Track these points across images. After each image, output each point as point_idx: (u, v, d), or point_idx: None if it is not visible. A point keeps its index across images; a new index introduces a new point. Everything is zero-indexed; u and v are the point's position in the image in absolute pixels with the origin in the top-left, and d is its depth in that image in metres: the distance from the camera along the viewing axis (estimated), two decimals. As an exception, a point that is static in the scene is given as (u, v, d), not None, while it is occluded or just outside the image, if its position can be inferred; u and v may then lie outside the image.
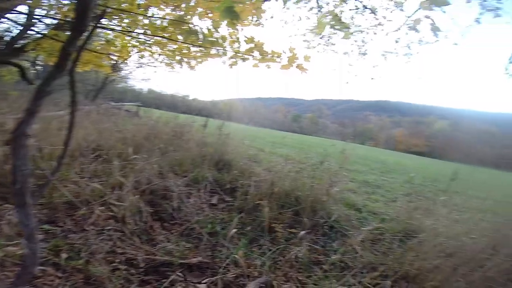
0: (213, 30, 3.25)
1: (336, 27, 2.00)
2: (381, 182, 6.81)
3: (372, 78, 5.98)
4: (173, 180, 3.07)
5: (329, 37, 6.42)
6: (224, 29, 3.28)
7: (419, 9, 2.00)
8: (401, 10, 5.34)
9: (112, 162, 3.07)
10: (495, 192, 9.20)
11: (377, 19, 5.53)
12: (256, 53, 3.19)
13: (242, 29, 3.38)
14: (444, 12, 4.65)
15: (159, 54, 4.90)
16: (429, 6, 1.86)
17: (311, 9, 6.03)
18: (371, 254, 2.45)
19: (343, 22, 1.94)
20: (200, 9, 3.31)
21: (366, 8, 5.37)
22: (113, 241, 2.07)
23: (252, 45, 3.10)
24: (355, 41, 6.13)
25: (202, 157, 4.18)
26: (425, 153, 73.07)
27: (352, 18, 5.93)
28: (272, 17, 6.20)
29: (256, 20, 3.39)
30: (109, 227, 2.19)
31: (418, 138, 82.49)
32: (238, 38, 3.27)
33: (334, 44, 6.40)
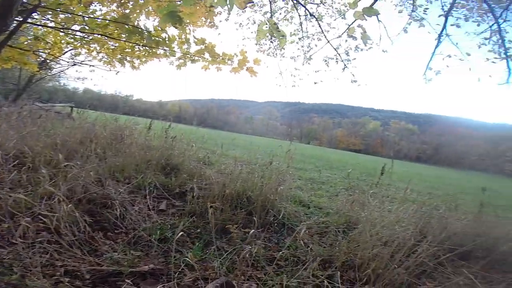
0: (161, 30, 3.10)
1: (274, 35, 2.11)
2: (325, 178, 7.36)
3: (315, 83, 6.42)
4: (114, 188, 2.81)
5: (278, 42, 6.71)
6: (173, 30, 3.16)
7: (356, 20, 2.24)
8: (343, 18, 5.89)
9: (39, 171, 2.67)
10: (418, 183, 10.82)
11: (321, 27, 5.99)
12: (206, 55, 3.15)
13: (194, 30, 3.30)
14: (380, 21, 5.30)
15: (98, 52, 4.46)
16: (362, 16, 2.07)
17: (265, 13, 6.24)
18: (320, 247, 2.62)
19: (280, 31, 2.06)
20: (148, 8, 3.11)
21: (313, 16, 5.77)
22: (50, 254, 1.86)
23: (203, 46, 3.05)
24: (302, 46, 6.53)
25: (146, 162, 3.92)
26: (361, 150, 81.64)
27: (300, 24, 6.30)
28: (227, 20, 6.20)
29: (209, 22, 3.35)
30: (41, 239, 1.94)
31: (355, 137, 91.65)
32: (188, 39, 3.18)
33: (283, 49, 6.73)
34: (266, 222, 3.00)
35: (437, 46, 4.71)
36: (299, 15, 6.19)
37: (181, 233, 2.15)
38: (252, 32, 6.77)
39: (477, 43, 4.44)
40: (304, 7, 5.30)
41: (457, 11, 4.46)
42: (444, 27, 4.57)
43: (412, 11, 4.98)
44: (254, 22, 6.50)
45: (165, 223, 2.64)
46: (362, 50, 5.76)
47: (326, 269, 2.25)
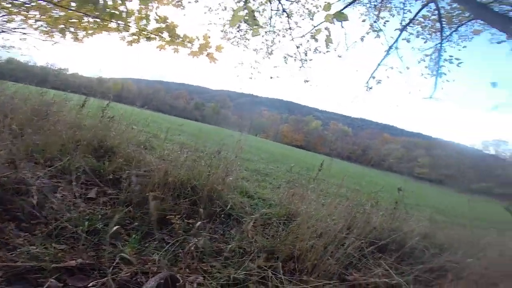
0: (121, 2, 2.68)
1: (249, 22, 2.05)
2: (269, 170, 7.63)
3: (271, 77, 6.51)
4: (31, 171, 2.37)
5: (245, 31, 6.59)
6: (134, 3, 2.78)
7: (324, 21, 2.31)
8: (311, 19, 6.04)
9: None
10: (348, 180, 12.09)
11: (290, 24, 6.07)
12: (165, 34, 2.85)
13: (157, 7, 2.94)
14: (343, 27, 5.60)
15: (36, 20, 3.64)
16: (332, 19, 2.13)
17: (239, 1, 5.99)
18: (263, 238, 2.67)
19: (256, 19, 2.01)
20: None
21: (285, 11, 5.81)
22: None
23: (163, 25, 2.75)
24: (266, 40, 6.54)
25: (75, 142, 3.42)
26: (303, 146, 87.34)
27: (270, 18, 6.28)
28: (197, 1, 5.73)
29: (177, 1, 3.03)
30: None
31: (298, 134, 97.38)
32: (147, 16, 2.82)
33: (248, 39, 6.64)
34: (211, 213, 2.92)
35: (385, 57, 5.24)
36: (271, 9, 6.19)
37: (116, 226, 1.94)
38: (220, 18, 6.48)
39: (418, 59, 5.05)
40: (279, 1, 5.31)
41: (412, 27, 5.01)
42: (396, 40, 5.09)
43: (374, 21, 5.40)
44: (225, 8, 6.23)
45: (94, 213, 2.35)
46: (320, 52, 6.05)
47: (269, 260, 2.31)
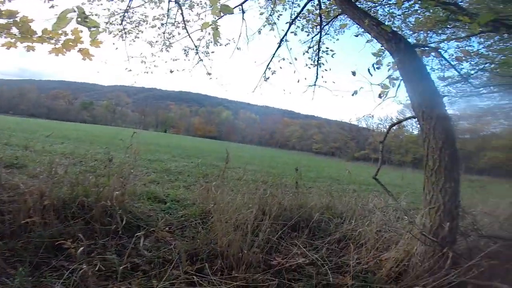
0: None
1: (83, 24, 1.74)
2: (182, 168, 7.21)
3: (171, 71, 5.99)
4: None
5: (138, 23, 5.72)
6: None
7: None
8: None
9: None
10: (260, 164, 12.84)
11: (183, 16, 5.58)
12: (14, 30, 2.13)
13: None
14: (244, 19, 5.56)
15: None
16: (218, 12, 2.06)
17: None
18: (183, 242, 2.52)
19: (93, 20, 1.75)
20: None
21: (177, 3, 5.29)
22: None
23: (10, 20, 2.02)
24: (163, 32, 5.89)
25: None
26: (216, 137, 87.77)
27: (168, 10, 5.63)
28: None
29: None
30: None
31: (211, 125, 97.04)
32: None
33: (142, 32, 5.85)
34: (114, 229, 2.52)
35: (277, 49, 5.56)
36: (169, 1, 5.55)
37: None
38: (105, 9, 5.36)
39: (303, 51, 5.58)
40: None
41: (300, 20, 5.42)
42: (286, 33, 5.45)
43: (270, 15, 5.59)
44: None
45: None
46: (221, 45, 5.87)
47: (194, 263, 2.22)
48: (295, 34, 5.63)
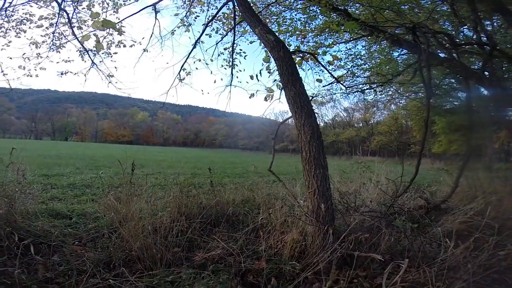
0: None
1: None
2: (89, 180, 6.39)
3: (62, 73, 5.15)
4: None
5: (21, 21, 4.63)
6: None
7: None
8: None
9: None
10: (185, 166, 12.44)
11: (70, 18, 4.82)
12: None
13: None
14: (157, 18, 5.20)
15: None
16: (101, 26, 2.09)
17: None
18: (96, 252, 2.49)
19: None
20: None
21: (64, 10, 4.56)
22: None
23: None
24: (52, 33, 4.94)
25: None
26: (132, 141, 79.63)
27: (60, 10, 4.71)
28: None
29: None
30: None
31: (124, 129, 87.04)
32: None
33: (24, 31, 4.75)
34: (7, 247, 2.32)
35: (191, 50, 5.51)
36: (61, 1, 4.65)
37: None
38: None
39: (218, 52, 5.70)
40: None
41: (216, 22, 5.45)
42: (201, 35, 5.44)
43: (185, 16, 5.40)
44: None
45: None
46: (125, 46, 5.34)
47: (111, 270, 2.25)
48: (210, 36, 5.73)
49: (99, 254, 2.47)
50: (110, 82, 5.26)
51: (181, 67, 5.66)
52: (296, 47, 4.67)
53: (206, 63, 5.78)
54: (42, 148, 19.85)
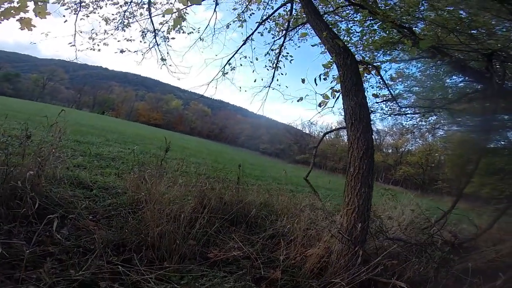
0: None
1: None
2: (116, 154, 6.59)
3: (121, 51, 5.39)
4: None
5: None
6: None
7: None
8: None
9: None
10: (206, 157, 12.57)
11: None
12: None
13: None
14: (216, 11, 5.34)
15: None
16: (186, 2, 2.07)
17: None
18: (108, 232, 2.37)
19: None
20: None
21: None
22: None
23: None
24: (124, 11, 5.24)
25: None
26: (161, 125, 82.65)
27: None
28: None
29: None
30: None
31: (157, 113, 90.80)
32: None
33: (100, 7, 5.08)
34: (23, 214, 2.22)
35: (241, 46, 5.54)
36: None
37: None
38: None
39: (265, 52, 5.66)
40: None
41: (269, 22, 5.46)
42: (253, 32, 5.47)
43: (242, 12, 5.48)
44: None
45: None
46: (184, 32, 5.48)
47: (121, 253, 2.14)
48: (262, 35, 5.72)
49: (112, 234, 2.36)
50: (164, 64, 5.44)
51: (228, 61, 5.69)
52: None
53: (251, 61, 5.75)
54: (80, 117, 21.19)
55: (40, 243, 2.01)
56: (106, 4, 5.12)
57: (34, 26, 2.29)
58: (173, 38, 5.66)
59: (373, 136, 2.49)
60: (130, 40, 5.43)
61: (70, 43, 4.91)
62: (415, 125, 7.50)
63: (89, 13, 5.02)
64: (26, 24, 2.18)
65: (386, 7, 4.01)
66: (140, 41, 5.62)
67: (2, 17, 2.11)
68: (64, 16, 4.81)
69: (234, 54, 5.66)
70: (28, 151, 2.88)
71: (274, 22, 5.57)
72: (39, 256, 1.88)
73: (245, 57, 5.73)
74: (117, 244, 2.24)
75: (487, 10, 3.30)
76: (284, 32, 5.48)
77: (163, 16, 5.23)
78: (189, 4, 2.23)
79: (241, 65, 5.78)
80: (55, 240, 2.07)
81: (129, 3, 5.24)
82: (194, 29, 5.50)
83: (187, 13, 4.97)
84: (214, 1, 5.37)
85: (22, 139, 3.00)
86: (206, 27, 5.58)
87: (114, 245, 2.22)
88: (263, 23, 5.53)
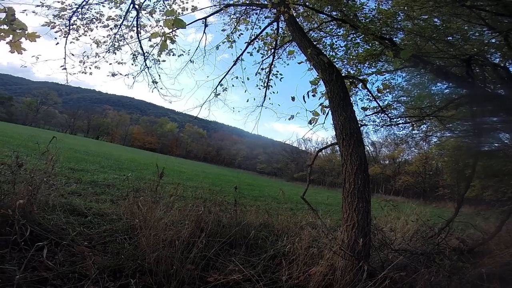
0: None
1: (9, 26, 1.75)
2: (112, 180, 6.48)
3: (113, 74, 5.41)
4: None
5: (90, 20, 5.09)
6: None
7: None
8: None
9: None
10: (203, 180, 12.41)
11: (138, 22, 5.23)
12: None
13: None
14: (205, 33, 5.49)
15: None
16: (172, 26, 2.18)
17: None
18: (104, 257, 2.33)
19: (21, 22, 1.82)
20: None
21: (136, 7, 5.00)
22: None
23: None
24: (114, 34, 5.35)
25: None
26: (156, 149, 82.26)
27: (127, 12, 5.16)
28: None
29: None
30: None
31: (152, 136, 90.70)
32: None
33: (91, 30, 5.16)
34: (14, 240, 2.16)
35: (231, 67, 5.66)
36: (131, 3, 5.13)
37: None
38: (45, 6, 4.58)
39: (255, 72, 5.78)
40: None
41: (258, 42, 5.60)
42: (243, 52, 5.60)
43: (231, 32, 5.62)
44: None
45: None
46: (174, 55, 5.56)
47: (118, 279, 2.10)
48: (251, 55, 5.86)
49: (108, 259, 2.31)
50: (155, 87, 5.47)
51: (219, 82, 5.78)
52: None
53: (242, 81, 5.85)
54: (74, 142, 21.03)
55: (34, 269, 1.99)
56: (97, 26, 5.21)
57: (24, 50, 2.31)
58: (163, 61, 5.73)
59: (369, 149, 2.50)
60: (122, 63, 5.49)
61: (62, 66, 4.91)
62: (408, 135, 7.58)
63: (79, 36, 5.07)
64: (16, 47, 2.20)
65: (367, 20, 4.17)
66: (132, 64, 5.69)
67: None
68: (56, 38, 4.86)
69: (225, 75, 5.78)
70: (20, 179, 2.85)
71: (262, 42, 5.72)
72: (34, 282, 1.85)
73: (236, 77, 5.83)
74: (113, 270, 2.20)
75: (458, 16, 3.46)
76: (272, 50, 5.64)
77: (150, 40, 5.33)
78: (175, 28, 2.30)
79: (233, 85, 5.87)
80: (49, 266, 2.04)
81: (119, 26, 5.36)
82: (184, 51, 5.59)
83: (176, 35, 5.13)
84: (203, 23, 5.54)
85: (13, 168, 2.97)
86: (196, 49, 5.70)
87: (111, 270, 2.18)
88: (252, 42, 5.69)
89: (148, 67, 5.69)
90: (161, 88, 5.61)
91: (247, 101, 5.72)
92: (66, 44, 4.95)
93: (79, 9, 5.06)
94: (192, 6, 4.61)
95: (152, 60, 5.70)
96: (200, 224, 3.08)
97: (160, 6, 5.26)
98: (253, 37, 5.71)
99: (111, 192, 5.22)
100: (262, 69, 5.91)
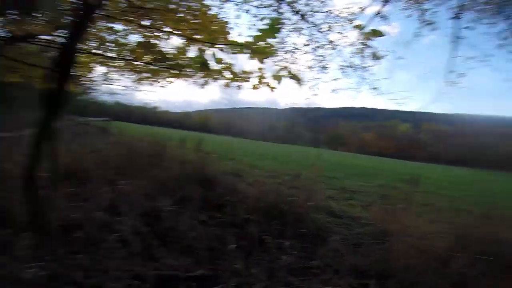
0: (179, 53, 3.33)
1: (291, 78, 2.48)
2: (357, 187, 7.19)
3: (333, 90, 6.02)
4: (162, 201, 3.11)
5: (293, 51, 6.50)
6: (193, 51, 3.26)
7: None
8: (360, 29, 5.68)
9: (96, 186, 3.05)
10: (468, 191, 10.01)
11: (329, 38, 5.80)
12: (227, 73, 3.27)
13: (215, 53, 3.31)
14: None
15: (127, 70, 4.63)
16: (368, 37, 2.26)
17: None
18: (354, 257, 2.65)
19: (297, 76, 2.48)
20: (167, 28, 3.24)
21: (316, 27, 5.65)
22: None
23: (223, 65, 3.17)
24: (316, 56, 6.18)
25: (186, 176, 4.20)
26: (394, 154, 77.15)
27: (311, 34, 6.12)
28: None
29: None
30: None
31: (387, 141, 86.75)
32: (206, 60, 3.23)
33: (297, 58, 6.46)
34: (299, 233, 3.12)
35: (454, 48, 4.41)
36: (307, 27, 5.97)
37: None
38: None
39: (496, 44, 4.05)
40: (306, 20, 5.15)
41: (470, 12, 4.17)
42: (458, 29, 4.30)
43: (423, 14, 4.68)
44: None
45: (209, 234, 2.84)
46: (379, 58, 5.34)
47: (360, 278, 2.33)
48: (473, 29, 4.18)
49: (357, 259, 2.58)
50: (378, 94, 5.51)
51: (447, 69, 4.61)
52: None
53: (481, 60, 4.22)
54: (322, 154, 25.40)
55: (304, 257, 2.72)
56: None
57: (275, 87, 3.20)
58: (370, 66, 5.48)
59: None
60: (335, 79, 5.81)
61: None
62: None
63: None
64: (270, 87, 3.11)
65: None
66: (342, 77, 5.88)
67: (260, 83, 3.17)
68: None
69: (451, 59, 4.41)
70: (300, 186, 4.04)
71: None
72: (301, 267, 2.48)
73: (471, 57, 4.26)
74: (358, 270, 2.44)
75: None
76: None
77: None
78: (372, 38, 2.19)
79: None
80: (312, 256, 2.69)
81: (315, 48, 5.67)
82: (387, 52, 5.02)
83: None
84: None
85: (294, 178, 4.28)
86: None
87: (356, 270, 2.43)
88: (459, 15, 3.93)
89: (365, 78, 5.63)
90: (377, 93, 5.41)
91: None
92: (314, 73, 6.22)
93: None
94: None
95: (362, 67, 5.56)
96: (462, 240, 2.68)
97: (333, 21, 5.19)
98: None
99: (358, 198, 5.82)
100: (505, 38, 3.90)
